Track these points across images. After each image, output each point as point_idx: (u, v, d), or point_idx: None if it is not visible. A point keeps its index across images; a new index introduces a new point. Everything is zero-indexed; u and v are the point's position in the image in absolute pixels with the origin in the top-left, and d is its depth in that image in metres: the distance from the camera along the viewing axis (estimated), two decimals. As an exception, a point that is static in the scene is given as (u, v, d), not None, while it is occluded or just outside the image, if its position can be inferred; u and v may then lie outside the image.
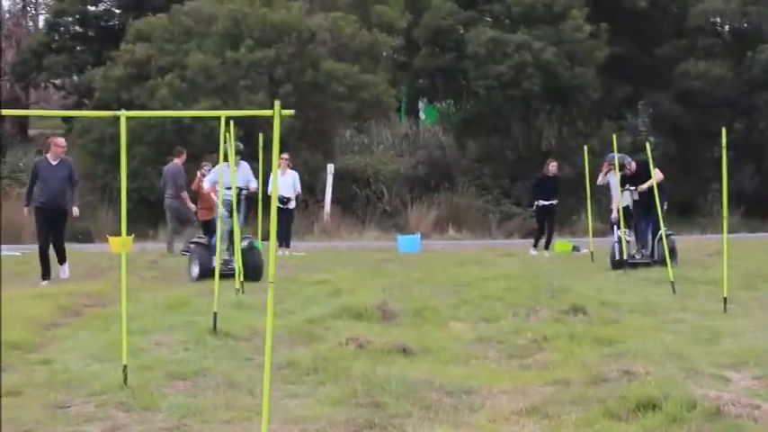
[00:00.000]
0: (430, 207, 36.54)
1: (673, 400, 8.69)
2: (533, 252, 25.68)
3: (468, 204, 37.07)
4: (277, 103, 7.68)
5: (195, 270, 19.53)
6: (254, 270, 18.68)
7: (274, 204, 8.21)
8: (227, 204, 17.33)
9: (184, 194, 25.35)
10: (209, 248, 18.95)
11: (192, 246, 20.46)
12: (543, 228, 26.23)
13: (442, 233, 34.77)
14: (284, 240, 25.40)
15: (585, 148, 25.05)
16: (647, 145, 20.42)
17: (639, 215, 21.23)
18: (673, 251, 19.97)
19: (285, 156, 25.30)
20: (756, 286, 17.41)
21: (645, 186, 20.45)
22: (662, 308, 15.23)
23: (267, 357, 7.58)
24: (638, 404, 8.75)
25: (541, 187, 25.95)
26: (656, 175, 19.71)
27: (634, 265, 20.52)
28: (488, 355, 12.02)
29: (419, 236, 29.44)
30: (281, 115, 7.69)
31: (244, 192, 19.25)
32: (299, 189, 26.26)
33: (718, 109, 39.34)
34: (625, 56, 41.65)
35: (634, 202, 21.22)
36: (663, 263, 18.92)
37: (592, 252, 24.14)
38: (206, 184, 21.01)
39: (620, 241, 20.90)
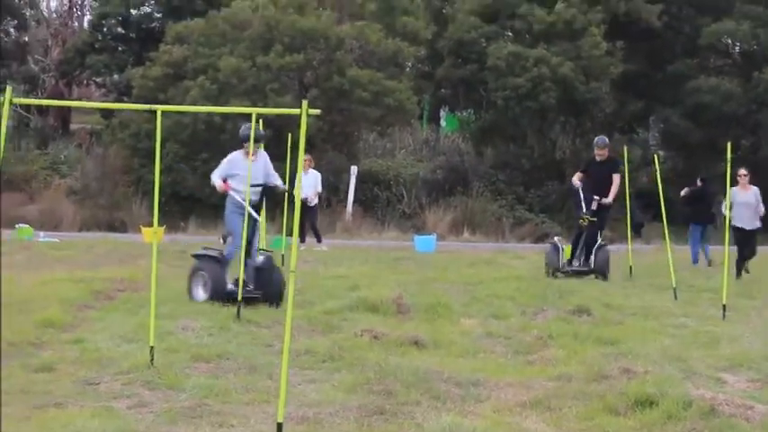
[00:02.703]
0: (446, 210, 36.55)
1: (670, 398, 8.72)
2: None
3: (482, 209, 37.04)
4: (305, 103, 7.75)
5: (199, 292, 14.64)
6: (275, 292, 14.45)
7: (298, 200, 8.27)
8: (242, 206, 14.38)
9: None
10: (222, 263, 14.63)
11: (197, 259, 14.99)
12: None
13: (457, 235, 34.76)
14: (305, 236, 25.41)
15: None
16: (656, 158, 20.41)
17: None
18: (606, 262, 19.55)
19: (308, 157, 25.29)
20: (754, 295, 17.41)
21: (608, 200, 19.62)
22: (663, 312, 15.23)
23: (286, 344, 7.63)
24: (636, 401, 8.79)
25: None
26: (615, 188, 19.48)
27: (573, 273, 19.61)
28: (496, 349, 12.05)
29: (435, 236, 29.44)
30: (308, 114, 7.75)
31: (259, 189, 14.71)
32: (320, 189, 26.21)
33: (726, 126, 39.23)
34: (638, 72, 41.59)
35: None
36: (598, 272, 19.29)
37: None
38: (215, 179, 14.78)
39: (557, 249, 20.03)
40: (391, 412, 8.56)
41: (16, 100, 8.63)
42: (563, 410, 8.85)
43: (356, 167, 36.21)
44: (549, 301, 15.45)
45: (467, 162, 40.43)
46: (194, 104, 32.73)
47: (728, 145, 15.74)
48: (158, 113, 10.18)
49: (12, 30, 47.35)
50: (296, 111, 7.89)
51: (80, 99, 45.00)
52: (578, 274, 19.51)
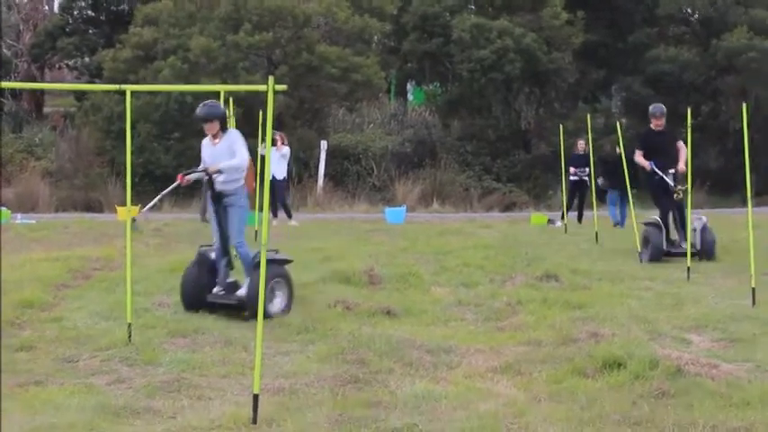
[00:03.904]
0: (416, 182, 36.51)
1: (636, 359, 8.76)
2: (558, 224, 25.47)
3: (451, 180, 37.03)
4: (271, 79, 7.72)
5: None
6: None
7: (267, 177, 8.23)
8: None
9: None
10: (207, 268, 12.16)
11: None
12: (572, 201, 26.10)
13: (426, 206, 34.74)
14: (277, 212, 25.34)
15: (561, 127, 25.01)
16: (618, 126, 20.35)
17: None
18: (713, 244, 17.53)
19: (280, 133, 25.19)
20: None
21: (683, 167, 17.04)
22: (630, 276, 15.27)
23: (260, 315, 7.61)
24: (604, 363, 8.83)
25: (573, 164, 25.84)
26: (685, 153, 16.91)
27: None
28: (466, 317, 12.08)
29: (405, 208, 29.45)
30: (274, 90, 7.73)
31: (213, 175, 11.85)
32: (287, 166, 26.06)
33: (686, 93, 39.31)
34: (600, 42, 41.63)
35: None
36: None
37: (566, 224, 24.21)
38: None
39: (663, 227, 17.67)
40: (365, 380, 8.57)
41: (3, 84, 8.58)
42: (533, 374, 8.89)
43: (326, 142, 36.13)
44: (518, 269, 15.46)
45: (434, 134, 40.39)
46: (166, 84, 32.54)
47: (688, 111, 15.79)
48: (128, 94, 10.13)
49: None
50: (262, 87, 7.87)
51: (53, 82, 44.74)
52: (683, 255, 16.09)
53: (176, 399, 8.04)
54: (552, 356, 9.39)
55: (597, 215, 21.89)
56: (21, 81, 41.06)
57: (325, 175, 35.89)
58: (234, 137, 11.96)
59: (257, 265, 10.44)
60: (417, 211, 32.89)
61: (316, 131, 36.96)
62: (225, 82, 31.98)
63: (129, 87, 10.23)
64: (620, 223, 24.88)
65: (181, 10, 36.33)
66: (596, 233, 20.82)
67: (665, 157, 17.39)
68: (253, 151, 14.85)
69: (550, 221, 26.99)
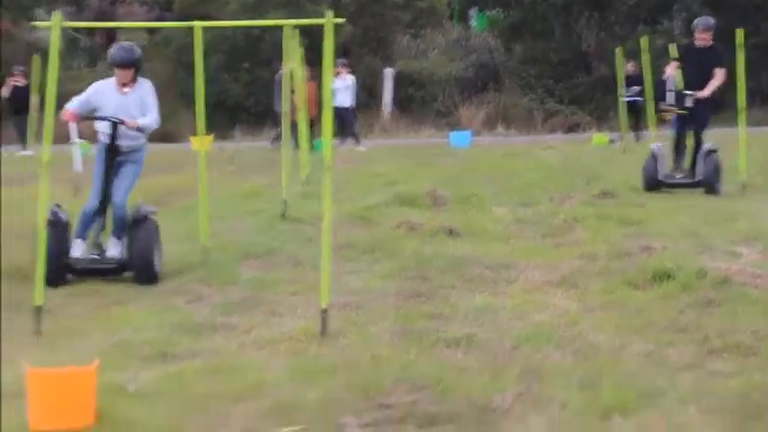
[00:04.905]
0: (480, 106, 36.63)
1: (685, 270, 9.01)
2: (618, 144, 25.56)
3: (514, 103, 37.11)
4: (330, 13, 8.01)
5: None
6: (138, 260, 9.91)
7: (328, 106, 8.52)
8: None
9: None
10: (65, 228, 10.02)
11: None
12: (629, 121, 26.14)
13: (490, 130, 34.90)
14: (345, 138, 25.69)
15: (618, 51, 24.96)
16: (670, 47, 19.59)
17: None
18: (715, 172, 15.68)
19: (343, 61, 25.42)
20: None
21: (704, 93, 15.61)
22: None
23: (325, 233, 7.94)
24: (654, 275, 9.08)
25: (626, 85, 25.88)
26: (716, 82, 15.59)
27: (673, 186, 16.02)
28: (525, 234, 12.34)
29: (469, 132, 29.62)
30: (333, 23, 8.02)
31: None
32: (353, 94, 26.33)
33: (746, 13, 38.84)
34: (660, -38, 41.22)
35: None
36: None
37: (624, 145, 24.31)
38: (67, 106, 10.13)
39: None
40: (427, 295, 8.91)
41: (65, 23, 8.95)
42: (587, 287, 9.16)
43: (391, 69, 36.28)
44: (576, 187, 15.68)
45: (497, 59, 40.36)
46: (234, 17, 32.81)
47: (739, 32, 15.47)
48: (197, 30, 10.46)
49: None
50: (322, 21, 8.12)
51: (124, 17, 45.11)
52: (682, 186, 15.78)
53: (251, 315, 8.41)
54: (606, 270, 9.66)
55: (655, 135, 21.92)
56: (93, 17, 41.52)
57: (390, 102, 36.09)
58: (147, 88, 10.33)
59: (134, 225, 9.99)
60: (482, 134, 33.03)
61: (381, 59, 37.11)
62: (291, 14, 32.21)
63: (197, 24, 10.58)
64: None
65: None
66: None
67: (698, 76, 15.64)
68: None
69: (611, 141, 27.07)
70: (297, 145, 18.14)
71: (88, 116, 10.22)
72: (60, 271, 9.69)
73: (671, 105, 16.04)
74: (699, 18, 16.58)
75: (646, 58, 22.85)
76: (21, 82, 27.55)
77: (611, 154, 23.20)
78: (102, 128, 10.18)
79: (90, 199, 10.14)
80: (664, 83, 21.47)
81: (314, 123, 20.86)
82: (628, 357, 6.93)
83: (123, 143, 10.18)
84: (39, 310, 7.94)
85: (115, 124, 10.02)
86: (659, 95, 23.97)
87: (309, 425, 5.68)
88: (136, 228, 10.02)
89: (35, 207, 8.41)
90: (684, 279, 8.81)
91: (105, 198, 10.08)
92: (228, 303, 8.78)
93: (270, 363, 6.95)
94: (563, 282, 9.37)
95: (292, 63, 16.32)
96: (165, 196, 15.94)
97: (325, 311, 7.67)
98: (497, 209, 14.19)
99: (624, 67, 26.14)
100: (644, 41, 22.29)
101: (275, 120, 24.77)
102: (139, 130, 10.14)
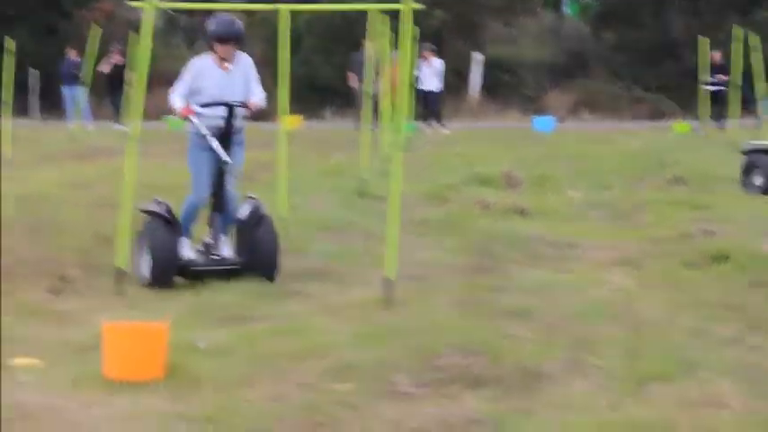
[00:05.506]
0: (567, 92, 36.65)
1: (742, 252, 9.22)
2: (701, 132, 25.57)
3: (601, 90, 37.08)
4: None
5: (145, 269, 8.77)
6: (263, 259, 8.94)
7: (405, 88, 8.84)
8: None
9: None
10: (172, 225, 8.93)
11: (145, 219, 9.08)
12: (712, 110, 26.19)
13: (576, 116, 34.91)
14: (432, 121, 26.00)
15: (701, 40, 24.88)
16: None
17: None
18: None
19: (430, 47, 25.71)
20: None
21: None
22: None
23: (393, 206, 8.27)
24: (712, 256, 9.32)
25: (711, 74, 25.95)
26: None
27: None
28: (594, 216, 12.59)
29: (553, 117, 29.71)
30: (411, 8, 8.28)
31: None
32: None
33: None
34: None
35: None
36: None
37: (706, 132, 24.30)
38: (174, 100, 8.93)
39: None
40: (490, 269, 9.23)
41: (160, 4, 9.36)
42: (646, 266, 9.41)
43: (481, 54, 36.46)
44: (651, 172, 15.82)
45: (586, 46, 40.33)
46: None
47: None
48: (282, 13, 10.83)
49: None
50: (400, 6, 8.38)
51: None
52: None
53: (322, 283, 8.80)
54: (666, 251, 9.90)
55: (739, 123, 21.88)
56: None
57: (478, 87, 36.28)
58: (250, 63, 9.41)
59: (254, 224, 9.04)
60: (568, 120, 33.06)
61: (472, 45, 37.27)
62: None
63: (282, 7, 10.95)
64: None
65: None
66: (735, 141, 20.86)
67: None
68: None
69: (695, 129, 26.99)
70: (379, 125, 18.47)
71: (207, 104, 8.89)
72: (170, 272, 8.77)
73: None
74: None
75: (737, 47, 22.66)
76: (119, 60, 28.22)
77: (692, 142, 23.15)
78: (214, 111, 8.93)
79: (197, 191, 9.06)
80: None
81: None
82: (674, 331, 7.18)
83: (239, 124, 9.23)
84: (121, 273, 8.40)
85: (232, 107, 8.97)
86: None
87: (364, 382, 6.02)
88: (256, 227, 9.02)
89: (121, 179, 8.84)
90: (740, 260, 9.03)
91: (220, 189, 8.98)
92: (302, 272, 9.16)
93: (334, 327, 7.29)
94: (623, 261, 9.63)
95: (377, 46, 16.59)
96: (254, 171, 16.37)
97: (389, 281, 8.00)
98: (570, 192, 14.40)
99: (709, 56, 26.07)
100: (737, 31, 22.16)
101: (351, 98, 25.12)
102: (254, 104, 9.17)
